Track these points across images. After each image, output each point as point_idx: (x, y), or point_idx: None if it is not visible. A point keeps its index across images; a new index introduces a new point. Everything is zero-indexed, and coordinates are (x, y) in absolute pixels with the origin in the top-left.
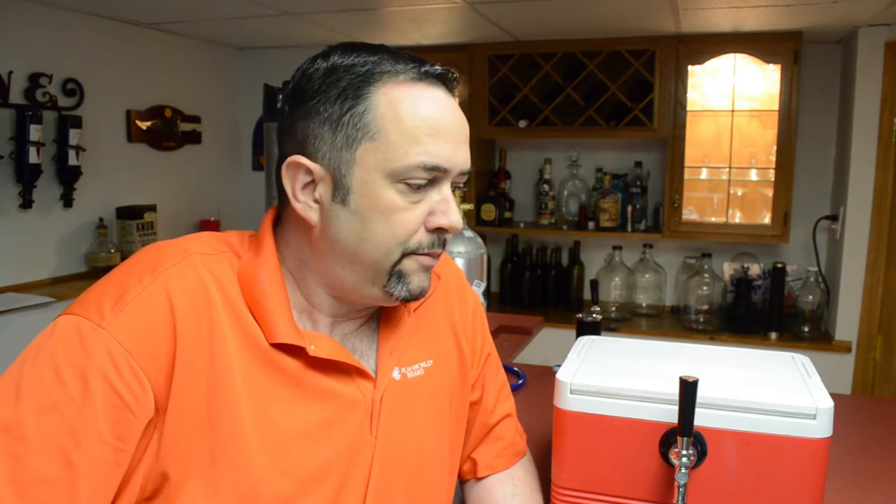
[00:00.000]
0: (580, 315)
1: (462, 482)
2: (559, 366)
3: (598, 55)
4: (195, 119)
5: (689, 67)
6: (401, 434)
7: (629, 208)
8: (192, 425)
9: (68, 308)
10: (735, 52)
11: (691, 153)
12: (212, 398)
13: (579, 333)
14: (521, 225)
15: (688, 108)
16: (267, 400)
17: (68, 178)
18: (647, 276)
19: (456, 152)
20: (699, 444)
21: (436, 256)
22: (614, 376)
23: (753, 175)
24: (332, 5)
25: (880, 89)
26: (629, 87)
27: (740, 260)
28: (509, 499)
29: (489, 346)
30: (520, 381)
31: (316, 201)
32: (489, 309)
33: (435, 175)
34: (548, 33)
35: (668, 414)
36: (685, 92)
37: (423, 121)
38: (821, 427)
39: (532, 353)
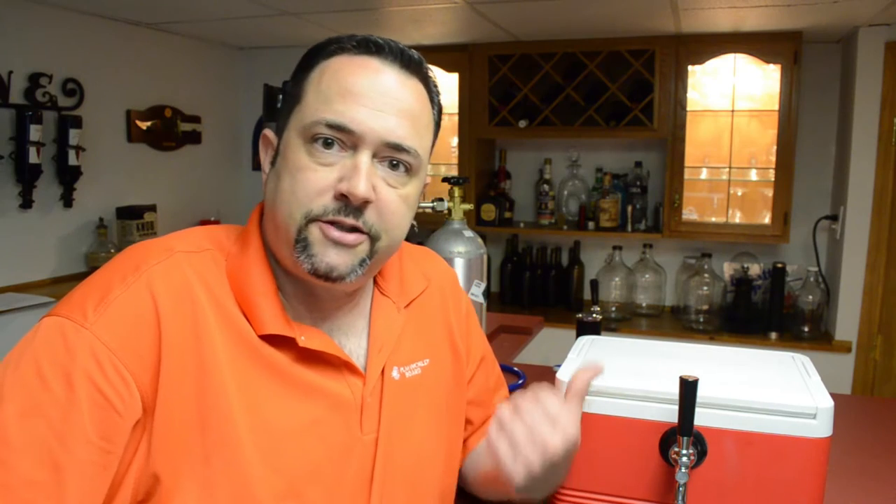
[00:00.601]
0: (580, 315)
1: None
2: (559, 366)
3: (598, 55)
4: (195, 119)
5: (689, 67)
6: (401, 433)
7: (629, 208)
8: (181, 425)
9: (52, 309)
10: (735, 52)
11: (691, 153)
12: (201, 397)
13: (579, 333)
14: (521, 225)
15: (688, 108)
16: (257, 397)
17: (68, 178)
18: (647, 276)
19: (373, 118)
20: (699, 443)
21: (351, 232)
22: (614, 376)
23: (753, 175)
24: (332, 5)
25: (880, 89)
26: (629, 87)
27: (740, 260)
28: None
29: (483, 348)
30: (520, 381)
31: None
32: (489, 309)
33: (345, 138)
34: (548, 33)
35: (668, 414)
36: (685, 92)
37: (338, 83)
38: (821, 427)
39: (532, 353)
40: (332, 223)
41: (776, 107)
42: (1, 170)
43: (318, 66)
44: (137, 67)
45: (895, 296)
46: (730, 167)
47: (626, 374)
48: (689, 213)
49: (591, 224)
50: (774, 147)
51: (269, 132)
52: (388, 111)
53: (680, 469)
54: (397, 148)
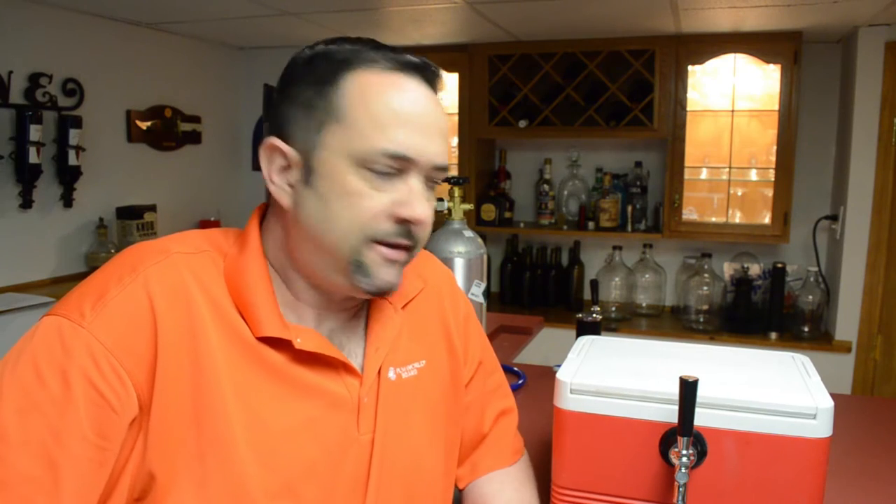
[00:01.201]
0: (580, 315)
1: (460, 489)
2: (559, 366)
3: (598, 55)
4: (195, 119)
5: (689, 67)
6: (397, 434)
7: (629, 208)
8: (177, 423)
9: (51, 309)
10: (735, 52)
11: (691, 153)
12: (197, 396)
13: (579, 333)
14: (521, 225)
15: (688, 108)
16: (253, 396)
17: (68, 178)
18: (647, 276)
19: (425, 144)
20: (699, 443)
21: (403, 250)
22: (614, 376)
23: (753, 175)
24: (332, 5)
25: (880, 89)
26: (629, 87)
27: (740, 260)
28: (509, 493)
29: (482, 352)
30: (520, 381)
31: (291, 186)
32: (489, 309)
33: (401, 165)
34: (548, 33)
35: (668, 414)
36: (685, 92)
37: (390, 108)
38: (821, 427)
39: (532, 353)
40: (392, 245)
41: (776, 107)
42: (1, 170)
43: (349, 80)
44: (137, 67)
45: (895, 296)
46: (730, 167)
47: (626, 374)
48: (689, 213)
49: (591, 224)
50: (774, 147)
51: (278, 142)
52: (436, 135)
53: (680, 469)
54: (442, 170)
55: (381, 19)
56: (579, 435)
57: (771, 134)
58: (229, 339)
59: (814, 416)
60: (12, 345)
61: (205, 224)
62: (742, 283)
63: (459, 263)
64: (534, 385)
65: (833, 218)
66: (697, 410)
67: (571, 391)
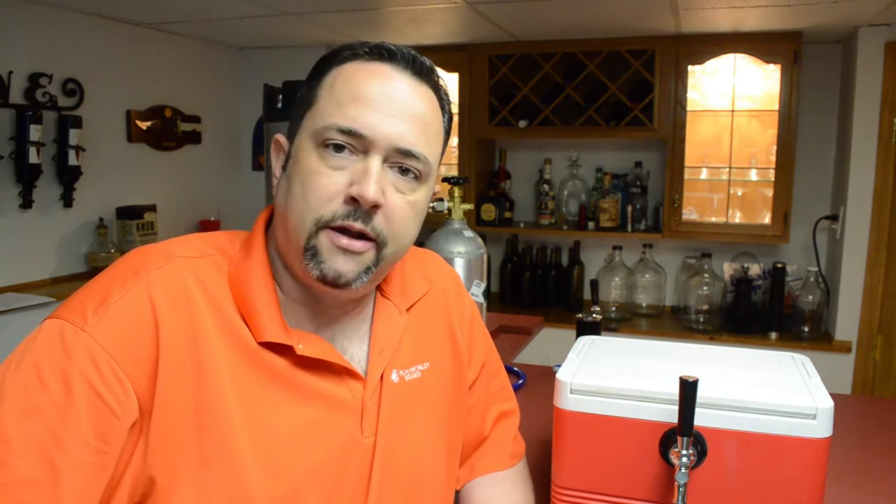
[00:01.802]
0: (580, 315)
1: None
2: (559, 366)
3: (598, 55)
4: (195, 119)
5: (689, 67)
6: (399, 436)
7: (629, 208)
8: (179, 428)
9: (53, 312)
10: (735, 52)
11: (691, 153)
12: (199, 400)
13: (579, 333)
14: (521, 225)
15: (688, 108)
16: (256, 400)
17: (68, 178)
18: (647, 276)
19: (384, 123)
20: (699, 444)
21: (359, 239)
22: (614, 376)
23: (753, 175)
24: (332, 5)
25: (880, 89)
26: (629, 87)
27: (740, 260)
28: (499, 497)
29: (486, 354)
30: (520, 381)
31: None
32: (489, 309)
33: (356, 142)
34: (548, 33)
35: (668, 414)
36: (685, 92)
37: (351, 88)
38: (821, 427)
39: (532, 353)
40: (341, 229)
41: (776, 107)
42: (1, 170)
43: (332, 72)
44: (137, 67)
45: (895, 296)
46: (730, 167)
47: (626, 374)
48: (689, 213)
49: (591, 224)
50: (774, 147)
51: (281, 137)
52: (400, 117)
53: (680, 469)
54: (407, 154)
55: (381, 19)
56: (579, 435)
57: (771, 134)
58: (231, 344)
59: (814, 417)
60: (12, 344)
61: (205, 224)
62: (742, 283)
63: (459, 263)
64: (534, 385)
65: (833, 218)
66: (697, 410)
67: (571, 391)
